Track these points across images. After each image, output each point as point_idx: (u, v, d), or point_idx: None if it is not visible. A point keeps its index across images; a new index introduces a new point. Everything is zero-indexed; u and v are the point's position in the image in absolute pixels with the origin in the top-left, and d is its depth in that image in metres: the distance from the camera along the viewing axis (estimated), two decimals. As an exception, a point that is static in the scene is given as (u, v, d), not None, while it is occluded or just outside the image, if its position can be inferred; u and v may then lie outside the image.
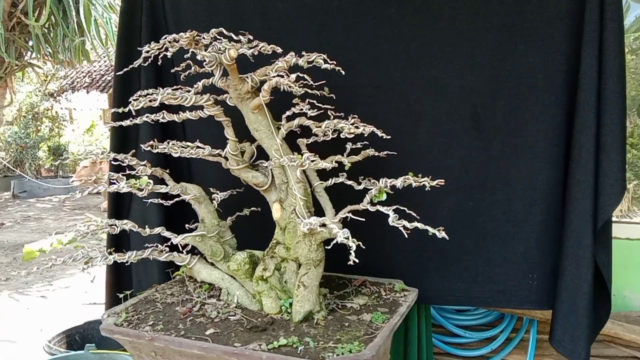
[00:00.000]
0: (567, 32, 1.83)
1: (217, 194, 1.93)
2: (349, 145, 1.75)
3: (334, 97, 1.99)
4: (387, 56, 2.00)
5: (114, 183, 1.62)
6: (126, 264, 1.72)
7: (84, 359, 2.41)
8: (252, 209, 2.00)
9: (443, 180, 1.60)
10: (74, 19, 6.89)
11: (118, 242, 2.25)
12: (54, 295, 5.19)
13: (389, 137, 1.63)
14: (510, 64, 1.89)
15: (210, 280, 1.77)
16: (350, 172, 1.81)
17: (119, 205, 2.32)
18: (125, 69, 1.69)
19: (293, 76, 1.50)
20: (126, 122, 1.64)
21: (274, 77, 1.54)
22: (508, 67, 1.89)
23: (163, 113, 1.67)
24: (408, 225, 1.53)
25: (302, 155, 1.61)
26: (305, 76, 1.60)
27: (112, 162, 1.90)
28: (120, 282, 2.33)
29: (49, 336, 2.76)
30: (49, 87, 13.30)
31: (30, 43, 6.93)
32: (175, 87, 1.68)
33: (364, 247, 1.43)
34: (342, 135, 1.62)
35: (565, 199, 1.86)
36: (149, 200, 1.78)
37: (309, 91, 1.78)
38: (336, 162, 1.81)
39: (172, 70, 1.81)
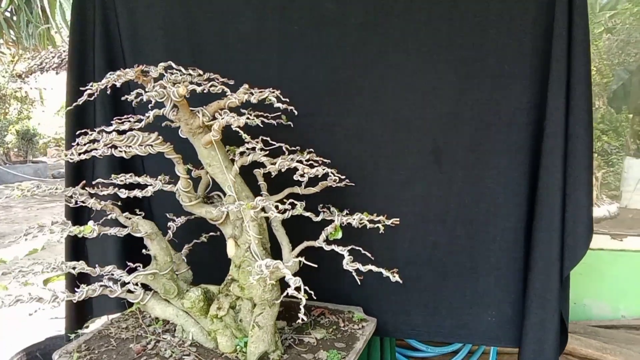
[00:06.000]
0: (532, 69, 1.77)
1: (174, 220, 1.89)
2: (307, 175, 1.71)
3: (294, 125, 1.94)
4: (347, 84, 1.94)
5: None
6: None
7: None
8: (211, 234, 1.96)
9: (398, 220, 1.59)
10: (38, 3, 6.62)
11: (77, 255, 2.19)
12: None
13: (344, 178, 1.61)
14: (471, 98, 1.84)
15: (165, 317, 1.73)
16: (310, 201, 1.78)
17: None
18: (75, 103, 1.57)
19: (242, 119, 1.45)
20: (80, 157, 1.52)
21: (224, 117, 1.48)
22: (469, 102, 1.84)
23: (112, 149, 1.60)
24: (362, 268, 1.52)
25: (250, 203, 1.57)
26: (258, 114, 1.55)
27: (67, 196, 1.79)
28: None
29: (10, 354, 2.69)
30: (16, 68, 12.86)
31: (-6, 28, 6.59)
32: (126, 117, 1.61)
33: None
34: (294, 177, 1.58)
35: (532, 241, 1.82)
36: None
37: (265, 121, 1.73)
38: (292, 193, 1.80)
39: (123, 98, 1.72)
